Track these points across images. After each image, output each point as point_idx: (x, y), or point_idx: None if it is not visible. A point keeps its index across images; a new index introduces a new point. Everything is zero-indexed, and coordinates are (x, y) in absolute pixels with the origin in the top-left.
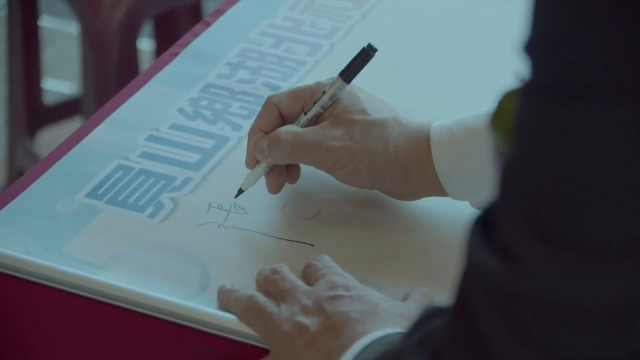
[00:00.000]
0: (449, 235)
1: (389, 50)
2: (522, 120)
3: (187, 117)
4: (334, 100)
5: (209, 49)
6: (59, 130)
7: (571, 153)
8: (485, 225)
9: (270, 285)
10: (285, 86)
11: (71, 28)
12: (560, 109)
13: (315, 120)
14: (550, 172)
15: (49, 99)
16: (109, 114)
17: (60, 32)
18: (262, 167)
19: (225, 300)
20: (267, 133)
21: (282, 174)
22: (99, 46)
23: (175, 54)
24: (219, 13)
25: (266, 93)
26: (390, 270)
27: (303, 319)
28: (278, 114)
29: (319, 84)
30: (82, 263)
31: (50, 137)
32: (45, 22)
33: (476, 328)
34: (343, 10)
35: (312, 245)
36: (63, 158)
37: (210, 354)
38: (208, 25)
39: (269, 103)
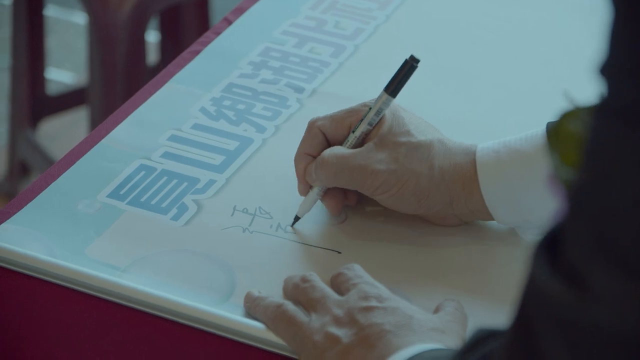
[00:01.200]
0: (480, 249)
1: (414, 52)
2: (595, 142)
3: (209, 117)
4: (381, 117)
5: (231, 48)
6: (61, 120)
7: None
8: (551, 250)
9: (300, 293)
10: (309, 88)
11: (75, 18)
12: (634, 133)
13: (361, 142)
14: (624, 196)
15: (51, 89)
16: (129, 113)
17: (64, 21)
18: (315, 192)
19: (253, 307)
20: (313, 156)
21: (339, 194)
22: (107, 38)
23: (197, 52)
24: (240, 11)
25: (290, 94)
26: (417, 280)
27: (335, 330)
28: (323, 137)
29: (363, 105)
30: (105, 266)
31: (52, 127)
32: (50, 11)
33: (538, 355)
34: (366, 11)
35: (339, 252)
36: (84, 157)
37: None
38: (230, 23)
39: (312, 127)
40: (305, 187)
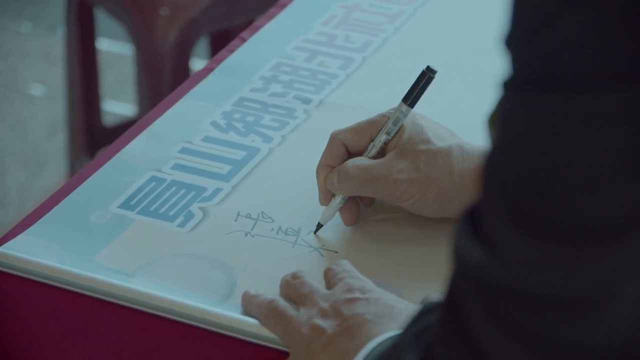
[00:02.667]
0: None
1: (421, 63)
2: (504, 113)
3: (219, 129)
4: (399, 126)
5: (244, 64)
6: None
7: (548, 144)
8: (471, 219)
9: (290, 289)
10: (317, 99)
11: (130, 51)
12: (537, 101)
13: (381, 152)
14: (527, 162)
15: (108, 120)
16: (144, 128)
17: (120, 55)
18: (337, 201)
19: (248, 305)
20: (334, 168)
21: (356, 205)
22: (153, 67)
23: (211, 69)
24: (255, 29)
25: (298, 106)
26: (413, 277)
27: (320, 322)
28: (344, 149)
29: (382, 115)
30: (112, 272)
31: None
32: (106, 45)
33: (464, 320)
34: (377, 25)
35: (336, 252)
36: (98, 171)
37: (234, 358)
38: (244, 41)
39: (334, 140)
40: (326, 197)
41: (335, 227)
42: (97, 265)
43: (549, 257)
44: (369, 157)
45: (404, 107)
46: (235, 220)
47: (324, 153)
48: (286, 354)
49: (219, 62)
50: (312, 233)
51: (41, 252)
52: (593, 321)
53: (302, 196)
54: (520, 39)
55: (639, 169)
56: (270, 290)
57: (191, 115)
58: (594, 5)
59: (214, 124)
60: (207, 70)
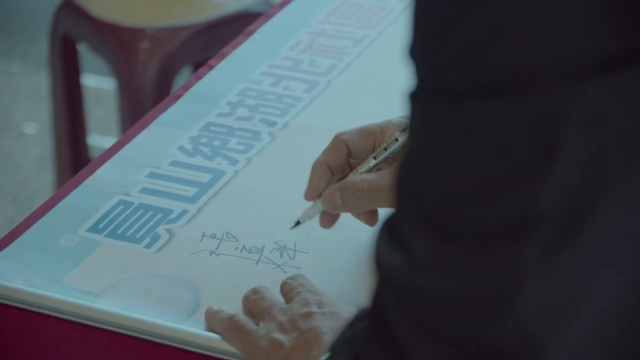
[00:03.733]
0: None
1: (384, 85)
2: (409, 123)
3: (186, 154)
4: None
5: (211, 90)
6: None
7: (443, 151)
8: (390, 227)
9: (250, 304)
10: (282, 121)
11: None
12: (432, 110)
13: (379, 168)
14: (429, 169)
15: (95, 154)
16: (114, 154)
17: (106, 91)
18: (320, 204)
19: (211, 321)
20: (331, 168)
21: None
22: (135, 100)
23: (179, 96)
24: (222, 56)
25: (263, 129)
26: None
27: (279, 336)
28: (346, 151)
29: (389, 122)
30: (80, 292)
31: None
32: (92, 81)
33: (387, 324)
34: (342, 49)
35: (298, 269)
36: (68, 196)
37: None
38: (211, 68)
39: (338, 140)
40: (313, 195)
41: (298, 245)
42: (66, 287)
43: (453, 259)
44: (366, 171)
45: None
46: (201, 241)
47: (324, 151)
48: None
49: (186, 89)
50: (289, 229)
51: (12, 275)
52: (500, 320)
53: (266, 215)
54: (418, 49)
55: (529, 173)
56: (233, 306)
57: (159, 141)
58: (485, 15)
59: (181, 148)
60: (175, 97)
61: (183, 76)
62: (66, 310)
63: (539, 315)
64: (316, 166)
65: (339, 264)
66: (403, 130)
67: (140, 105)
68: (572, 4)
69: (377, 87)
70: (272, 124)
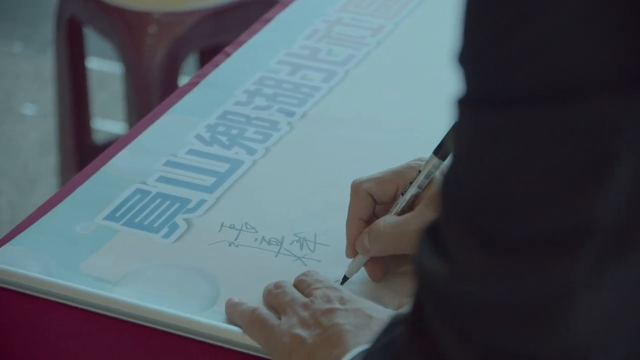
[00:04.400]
0: None
1: (403, 76)
2: (457, 130)
3: (204, 142)
4: (430, 179)
5: (228, 78)
6: None
7: (493, 159)
8: (432, 235)
9: (272, 298)
10: (300, 111)
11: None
12: (482, 117)
13: (410, 205)
14: (477, 177)
15: (99, 139)
16: (130, 141)
17: (111, 74)
18: (360, 257)
19: (232, 313)
20: (364, 220)
21: (381, 260)
22: (142, 85)
23: (196, 84)
24: (239, 44)
25: (281, 119)
26: (395, 286)
27: (301, 332)
28: (371, 199)
29: (408, 167)
30: (97, 280)
31: None
32: (96, 64)
33: (427, 332)
34: (359, 38)
35: (319, 261)
36: (84, 183)
37: None
38: (228, 55)
39: (359, 190)
40: (353, 250)
41: (319, 237)
42: (82, 274)
43: (500, 268)
44: (397, 212)
45: (435, 160)
46: (219, 231)
47: (350, 205)
48: None
49: (203, 76)
50: (339, 282)
51: (27, 260)
52: (548, 332)
53: (285, 206)
54: (470, 56)
55: (585, 182)
56: (253, 299)
57: (176, 129)
58: (539, 22)
59: (199, 137)
60: (192, 85)
61: (190, 63)
62: (83, 300)
63: (588, 328)
64: (349, 223)
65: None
66: (426, 163)
67: (147, 90)
68: (622, 13)
69: (396, 79)
70: (290, 113)
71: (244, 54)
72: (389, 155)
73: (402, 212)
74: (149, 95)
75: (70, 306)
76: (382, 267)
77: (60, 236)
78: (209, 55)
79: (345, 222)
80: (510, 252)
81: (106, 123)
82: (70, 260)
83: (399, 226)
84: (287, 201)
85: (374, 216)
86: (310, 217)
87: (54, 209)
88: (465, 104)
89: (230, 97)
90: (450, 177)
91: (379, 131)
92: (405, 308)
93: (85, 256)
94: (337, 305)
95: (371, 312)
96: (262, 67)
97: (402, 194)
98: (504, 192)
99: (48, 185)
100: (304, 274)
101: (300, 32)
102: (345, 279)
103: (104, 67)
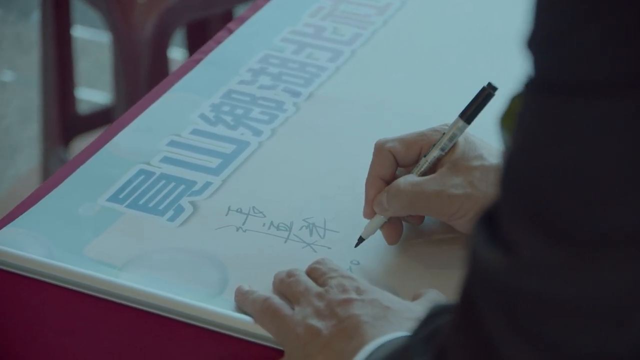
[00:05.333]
0: None
1: (411, 56)
2: (523, 115)
3: (208, 122)
4: (454, 142)
5: (231, 56)
6: (93, 139)
7: (570, 148)
8: (489, 222)
9: (285, 287)
10: (306, 92)
11: (105, 38)
12: (559, 104)
13: (432, 167)
14: (549, 166)
15: (83, 108)
16: (132, 120)
17: (94, 42)
18: (382, 216)
19: (242, 301)
20: (385, 180)
21: (399, 225)
22: (131, 55)
23: (198, 61)
24: (241, 20)
25: (287, 99)
26: (408, 276)
27: (316, 322)
28: (393, 160)
29: (434, 130)
30: (101, 265)
31: (83, 146)
32: (80, 32)
33: (480, 324)
34: (365, 17)
35: (329, 248)
36: (86, 163)
37: (226, 355)
38: (231, 32)
39: (382, 149)
40: (371, 210)
41: (328, 223)
42: (87, 258)
43: (570, 264)
44: (419, 174)
45: (461, 123)
46: (226, 215)
47: (372, 164)
48: (281, 353)
49: (205, 53)
50: (353, 246)
51: (29, 243)
52: (615, 330)
53: (293, 191)
54: (543, 40)
55: None
56: (262, 286)
57: (179, 108)
58: (621, 11)
59: (203, 116)
60: (194, 62)
61: (178, 35)
62: (88, 285)
63: None
64: (369, 181)
65: (371, 245)
66: (451, 125)
67: (136, 62)
68: None
69: (403, 59)
70: (296, 94)
71: (247, 30)
72: None
73: (424, 174)
74: (137, 67)
75: (76, 291)
76: (400, 231)
77: (63, 218)
78: (197, 28)
79: (355, 206)
80: (579, 245)
81: (89, 92)
82: (74, 244)
83: (419, 185)
84: (294, 185)
85: (394, 177)
86: (319, 202)
87: (56, 190)
88: (535, 89)
89: (234, 75)
90: (514, 164)
91: (387, 113)
92: (433, 295)
93: (89, 239)
94: (353, 295)
95: (389, 303)
96: (267, 45)
97: (425, 156)
98: (580, 183)
99: (29, 155)
100: (317, 262)
101: (305, 10)
102: (360, 240)
103: (86, 35)
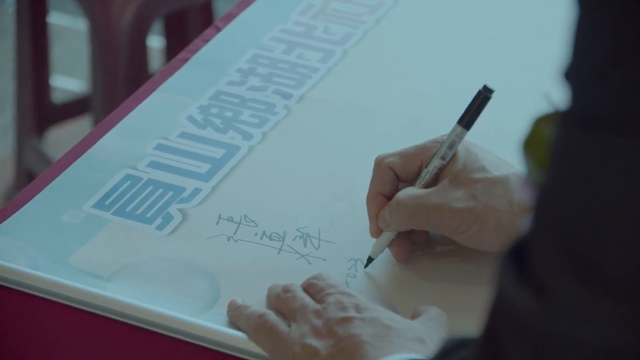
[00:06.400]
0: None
1: (404, 56)
2: (559, 149)
3: (196, 125)
4: (454, 150)
5: (219, 55)
6: (68, 129)
7: (609, 186)
8: (517, 258)
9: (281, 303)
10: (297, 94)
11: (80, 25)
12: (598, 140)
13: (434, 179)
14: (586, 204)
15: (57, 97)
16: (117, 121)
17: (69, 28)
18: (389, 234)
19: (235, 316)
20: (386, 196)
21: (407, 241)
22: (109, 45)
23: (185, 60)
24: (229, 17)
25: (278, 101)
26: (407, 290)
27: (313, 342)
28: (393, 175)
29: (434, 141)
30: (88, 275)
31: (58, 135)
32: (55, 18)
33: None
34: (357, 16)
35: (324, 260)
36: (70, 167)
37: None
38: (219, 30)
39: (381, 165)
40: (377, 228)
41: (323, 233)
42: (72, 268)
43: (607, 309)
44: (421, 185)
45: (459, 130)
46: (217, 224)
47: (372, 180)
48: None
49: (193, 52)
50: (363, 268)
51: (13, 252)
52: None
53: (286, 198)
54: (584, 73)
55: None
56: (256, 300)
57: (166, 109)
58: None
59: (191, 119)
60: (181, 61)
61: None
62: (74, 297)
63: None
64: (370, 199)
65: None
66: (450, 132)
67: (114, 50)
68: None
69: (397, 60)
70: (287, 96)
71: (235, 28)
72: (394, 141)
73: (426, 186)
74: (116, 56)
75: (61, 303)
76: (409, 248)
77: (47, 225)
78: (175, 19)
79: (350, 215)
80: (622, 293)
81: (64, 80)
82: (59, 253)
83: (420, 198)
84: (287, 192)
85: (396, 193)
86: (312, 210)
87: (39, 195)
88: (573, 123)
89: (222, 75)
90: (550, 200)
91: (381, 115)
92: (433, 317)
93: (75, 248)
94: (352, 313)
95: (390, 322)
96: (256, 44)
97: (426, 167)
98: (616, 224)
99: (2, 144)
100: (314, 277)
101: (295, 7)
102: (370, 260)
103: (61, 21)
